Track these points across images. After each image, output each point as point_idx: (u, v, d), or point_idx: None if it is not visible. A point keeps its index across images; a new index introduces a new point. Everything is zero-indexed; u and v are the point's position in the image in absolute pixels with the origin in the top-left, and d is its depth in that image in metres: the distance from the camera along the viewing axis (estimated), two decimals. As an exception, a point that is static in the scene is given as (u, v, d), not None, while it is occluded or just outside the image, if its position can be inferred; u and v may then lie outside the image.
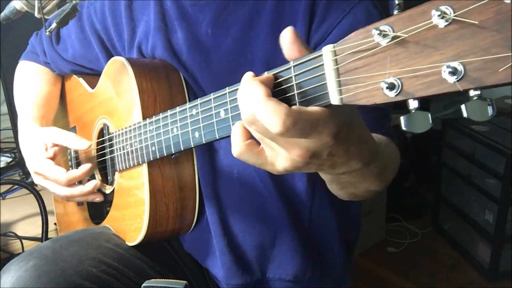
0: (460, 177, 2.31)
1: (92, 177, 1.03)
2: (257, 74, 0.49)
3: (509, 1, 0.33)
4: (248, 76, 0.48)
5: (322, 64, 0.44)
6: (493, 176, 2.07)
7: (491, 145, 2.07)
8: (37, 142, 1.00)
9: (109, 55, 1.00)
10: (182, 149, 0.71)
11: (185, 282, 0.56)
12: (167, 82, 0.89)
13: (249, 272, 0.92)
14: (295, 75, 0.47)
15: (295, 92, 0.47)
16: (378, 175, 0.62)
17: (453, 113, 2.60)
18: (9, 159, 1.68)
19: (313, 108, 0.45)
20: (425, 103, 0.41)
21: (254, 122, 0.46)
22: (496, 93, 2.63)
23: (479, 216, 2.17)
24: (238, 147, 0.50)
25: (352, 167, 0.54)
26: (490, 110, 0.37)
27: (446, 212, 2.45)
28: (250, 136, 0.50)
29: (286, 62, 0.49)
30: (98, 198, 0.99)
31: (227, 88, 0.56)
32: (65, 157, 1.14)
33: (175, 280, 0.57)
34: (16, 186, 1.53)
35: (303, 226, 0.90)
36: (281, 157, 0.49)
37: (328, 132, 0.46)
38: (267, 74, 0.50)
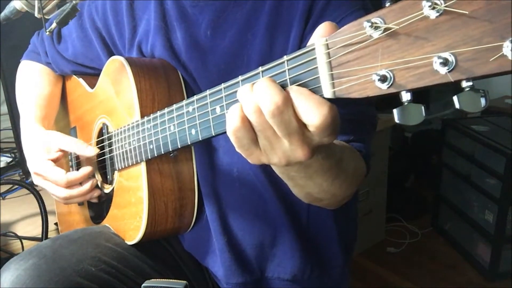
0: (460, 177, 2.31)
1: (91, 176, 1.03)
2: None
3: None
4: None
5: (315, 58, 0.45)
6: (493, 176, 2.07)
7: (491, 145, 2.07)
8: (39, 144, 1.00)
9: (110, 53, 1.00)
10: (179, 146, 0.71)
11: (185, 282, 0.56)
12: (166, 82, 0.89)
13: (249, 271, 0.91)
14: (288, 69, 0.48)
15: (289, 86, 0.47)
16: (327, 171, 0.61)
17: (452, 113, 2.60)
18: (9, 159, 1.68)
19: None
20: (424, 102, 0.40)
21: (282, 111, 0.45)
22: (496, 93, 2.63)
23: (479, 216, 2.17)
24: (235, 121, 0.49)
25: None
26: (483, 101, 0.37)
27: (446, 212, 2.45)
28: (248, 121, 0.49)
29: None
30: (96, 193, 1.00)
31: (222, 84, 0.56)
32: (65, 158, 1.14)
33: (175, 280, 0.57)
34: (16, 186, 1.53)
35: (301, 226, 0.90)
36: (277, 151, 0.49)
37: (336, 133, 0.47)
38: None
